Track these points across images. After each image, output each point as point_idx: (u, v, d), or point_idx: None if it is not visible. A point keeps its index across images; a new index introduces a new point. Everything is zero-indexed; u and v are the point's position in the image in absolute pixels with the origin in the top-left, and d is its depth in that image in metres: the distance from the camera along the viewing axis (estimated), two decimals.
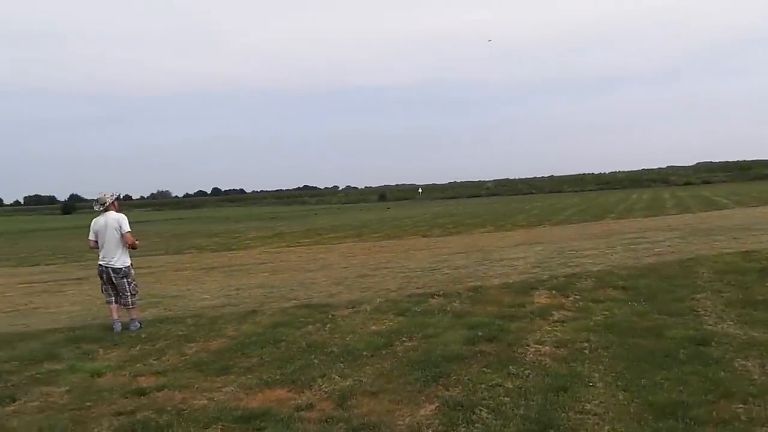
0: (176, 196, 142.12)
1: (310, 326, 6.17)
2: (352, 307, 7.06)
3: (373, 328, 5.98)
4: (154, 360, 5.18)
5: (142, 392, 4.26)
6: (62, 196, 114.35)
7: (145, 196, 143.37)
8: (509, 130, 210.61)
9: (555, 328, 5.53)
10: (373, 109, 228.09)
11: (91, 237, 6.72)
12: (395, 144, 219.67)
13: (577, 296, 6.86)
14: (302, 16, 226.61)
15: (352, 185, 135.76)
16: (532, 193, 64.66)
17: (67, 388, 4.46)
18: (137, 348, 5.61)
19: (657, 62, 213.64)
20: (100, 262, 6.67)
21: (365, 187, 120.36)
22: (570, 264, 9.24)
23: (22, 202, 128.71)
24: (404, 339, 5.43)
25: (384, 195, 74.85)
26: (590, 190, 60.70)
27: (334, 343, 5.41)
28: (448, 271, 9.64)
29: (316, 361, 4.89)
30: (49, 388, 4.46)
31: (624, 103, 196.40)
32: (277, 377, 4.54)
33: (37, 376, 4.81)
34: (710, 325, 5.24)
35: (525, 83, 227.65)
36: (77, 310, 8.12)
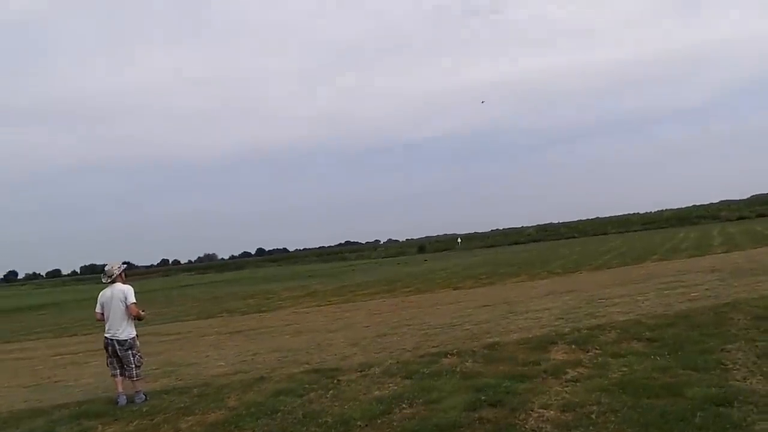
0: (222, 258, 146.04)
1: (313, 393, 5.96)
2: (361, 371, 6.82)
3: (377, 393, 5.71)
4: None
5: None
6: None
7: (193, 260, 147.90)
8: (551, 175, 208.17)
9: (566, 388, 5.13)
10: (413, 162, 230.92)
11: (98, 309, 6.76)
12: (435, 196, 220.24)
13: (597, 350, 6.43)
14: (338, 80, 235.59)
15: (393, 238, 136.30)
16: (574, 236, 63.06)
17: None
18: (134, 424, 5.51)
19: (705, 95, 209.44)
20: (106, 335, 6.68)
21: (406, 239, 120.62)
22: (597, 314, 8.76)
23: (78, 271, 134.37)
24: (404, 406, 5.15)
25: (423, 247, 74.48)
26: (635, 231, 58.65)
27: (331, 413, 5.17)
28: (468, 327, 9.29)
29: None
30: None
31: (671, 139, 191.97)
32: None
33: None
34: (737, 381, 4.75)
35: (565, 127, 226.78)
36: (92, 382, 8.15)
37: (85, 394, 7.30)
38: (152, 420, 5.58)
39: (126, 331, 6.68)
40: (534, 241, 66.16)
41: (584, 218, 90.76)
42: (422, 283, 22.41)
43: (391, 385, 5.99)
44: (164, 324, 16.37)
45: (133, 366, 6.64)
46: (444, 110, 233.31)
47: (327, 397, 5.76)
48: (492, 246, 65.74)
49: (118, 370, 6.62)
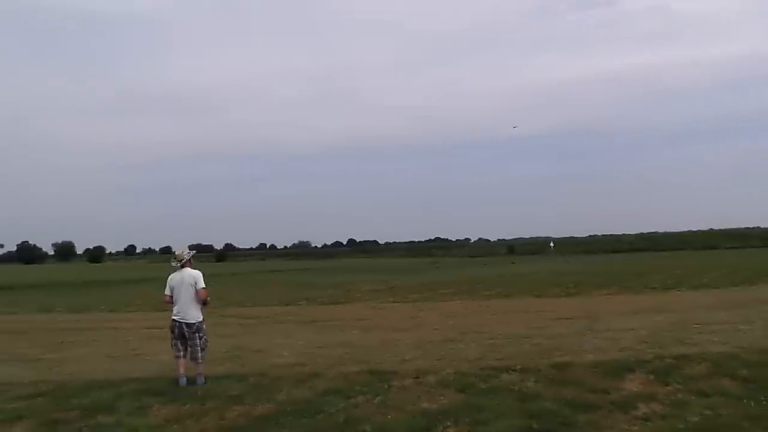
0: (315, 246, 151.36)
1: (361, 397, 5.81)
2: (416, 377, 6.58)
3: (425, 405, 5.45)
4: (192, 422, 5.16)
5: None
6: (219, 245, 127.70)
7: (288, 245, 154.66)
8: (659, 179, 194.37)
9: (633, 427, 4.58)
10: (508, 159, 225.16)
11: (167, 292, 6.99)
12: (531, 195, 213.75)
13: (679, 385, 5.72)
14: (435, 74, 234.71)
15: (484, 237, 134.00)
16: (680, 248, 58.25)
17: None
18: (186, 407, 5.66)
19: None
20: (174, 317, 6.92)
21: (498, 239, 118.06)
22: (687, 341, 7.87)
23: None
24: (449, 423, 4.84)
25: (513, 248, 72.42)
26: (752, 247, 53.06)
27: (373, 421, 4.98)
28: (539, 341, 8.72)
29: None
30: None
31: None
32: None
33: (84, 428, 5.01)
34: None
35: (678, 127, 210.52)
36: (167, 359, 8.54)
37: (157, 370, 7.66)
38: (203, 405, 5.70)
39: (194, 314, 6.88)
40: (634, 250, 62.08)
41: (693, 229, 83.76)
42: (504, 287, 21.63)
43: (441, 397, 5.70)
44: (246, 307, 17.08)
45: (199, 349, 6.85)
46: (541, 107, 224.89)
47: (374, 403, 5.59)
48: (587, 253, 62.47)
49: (182, 352, 6.86)
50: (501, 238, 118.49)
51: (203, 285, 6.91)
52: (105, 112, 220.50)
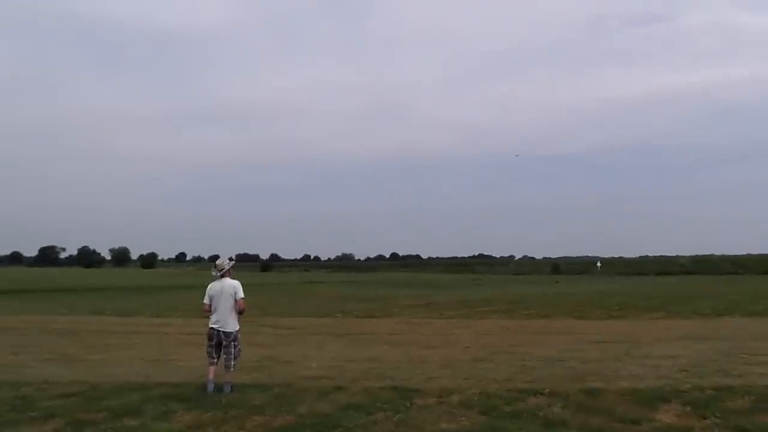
0: (358, 259, 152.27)
1: (380, 414, 5.76)
2: (440, 396, 6.48)
3: (444, 426, 5.35)
4: (212, 430, 5.24)
5: None
6: (264, 255, 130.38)
7: (331, 257, 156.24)
8: (715, 199, 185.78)
9: None
10: (558, 177, 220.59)
11: (206, 301, 7.11)
12: (580, 214, 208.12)
13: (717, 419, 5.40)
14: (487, 89, 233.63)
15: (529, 255, 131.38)
16: (737, 273, 55.33)
17: None
18: (209, 414, 5.75)
19: None
20: (212, 325, 7.02)
21: (543, 257, 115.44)
22: (731, 372, 7.44)
23: (234, 258, 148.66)
24: None
25: (558, 267, 70.61)
26: None
27: None
28: (573, 365, 8.44)
29: None
30: None
31: None
32: None
33: (108, 430, 5.16)
34: None
35: (736, 146, 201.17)
36: (198, 366, 8.74)
37: (186, 375, 7.84)
38: (225, 413, 5.78)
39: (232, 323, 7.00)
40: (687, 273, 59.40)
41: (753, 252, 79.43)
42: (545, 307, 21.07)
43: (463, 419, 5.58)
44: (284, 318, 17.30)
45: (232, 357, 6.96)
46: (593, 124, 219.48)
47: (393, 421, 5.53)
48: (636, 274, 60.19)
49: (216, 359, 6.98)
50: (546, 256, 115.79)
51: (242, 295, 7.04)
52: (163, 123, 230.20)
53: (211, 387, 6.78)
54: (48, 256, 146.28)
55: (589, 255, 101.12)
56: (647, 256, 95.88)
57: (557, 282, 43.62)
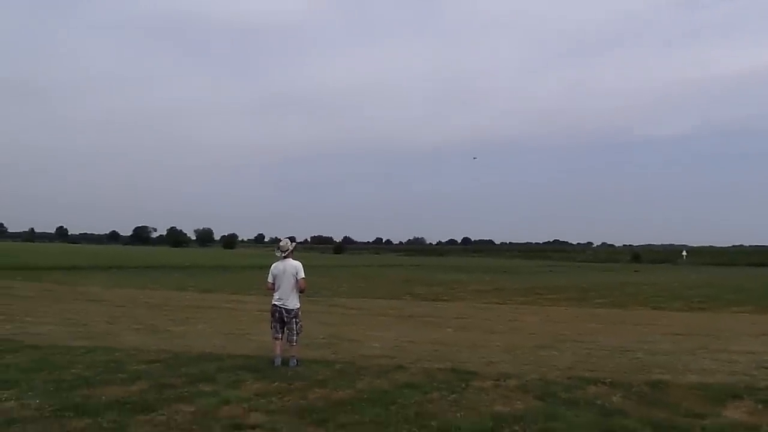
0: (429, 243, 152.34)
1: (436, 393, 5.91)
2: (497, 380, 6.54)
3: (498, 408, 5.43)
4: (276, 398, 5.60)
5: (238, 427, 4.66)
6: (338, 238, 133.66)
7: (403, 241, 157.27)
8: None
9: None
10: (637, 162, 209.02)
11: (270, 279, 7.58)
12: (662, 200, 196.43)
13: None
14: (567, 72, 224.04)
15: (608, 242, 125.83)
16: None
17: (193, 409, 5.14)
18: (275, 384, 6.15)
19: None
20: (275, 302, 7.49)
21: (623, 245, 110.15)
22: None
23: (309, 240, 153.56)
24: (516, 428, 4.79)
25: (638, 255, 67.29)
26: None
27: (441, 418, 5.06)
28: (641, 356, 8.19)
29: None
30: (182, 406, 5.21)
31: None
32: None
33: (185, 393, 5.66)
34: None
35: None
36: (268, 340, 9.26)
37: (257, 349, 8.35)
38: (290, 385, 6.16)
39: (294, 301, 7.42)
40: None
41: None
42: (619, 296, 20.31)
43: (518, 403, 5.62)
44: (353, 299, 17.81)
45: (295, 333, 7.37)
46: (683, 106, 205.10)
47: (447, 400, 5.66)
48: (727, 265, 56.25)
49: (280, 335, 7.42)
50: (626, 243, 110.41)
51: (303, 275, 7.42)
52: (247, 113, 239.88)
53: (278, 361, 7.21)
54: (141, 235, 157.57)
55: (675, 243, 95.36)
56: (741, 245, 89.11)
57: (636, 271, 41.67)
